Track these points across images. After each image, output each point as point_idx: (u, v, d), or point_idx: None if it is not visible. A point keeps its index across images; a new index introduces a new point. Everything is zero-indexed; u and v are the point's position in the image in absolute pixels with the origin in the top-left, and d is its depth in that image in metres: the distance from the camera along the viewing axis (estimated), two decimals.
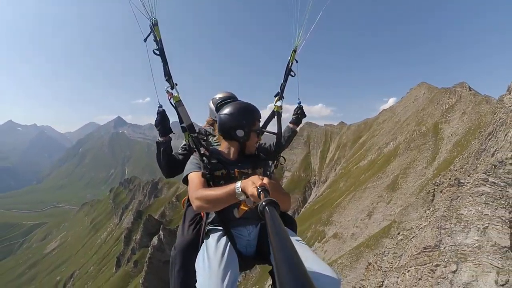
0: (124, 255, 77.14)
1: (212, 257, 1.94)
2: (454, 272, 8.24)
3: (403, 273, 9.83)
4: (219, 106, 2.77)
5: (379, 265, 11.63)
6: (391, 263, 11.07)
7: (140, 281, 53.27)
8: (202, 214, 2.21)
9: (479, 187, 9.48)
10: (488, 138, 13.89)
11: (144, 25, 2.37)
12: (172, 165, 2.69)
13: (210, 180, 2.11)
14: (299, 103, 3.12)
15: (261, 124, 2.52)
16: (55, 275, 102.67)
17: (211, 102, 3.07)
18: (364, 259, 21.02)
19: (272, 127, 2.96)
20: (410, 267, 9.62)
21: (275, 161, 2.61)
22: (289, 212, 2.59)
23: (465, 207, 9.26)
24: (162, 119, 2.63)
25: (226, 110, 2.26)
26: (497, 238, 8.35)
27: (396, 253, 11.23)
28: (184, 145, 2.75)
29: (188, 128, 2.34)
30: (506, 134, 11.96)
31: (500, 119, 14.85)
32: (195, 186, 2.03)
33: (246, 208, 2.03)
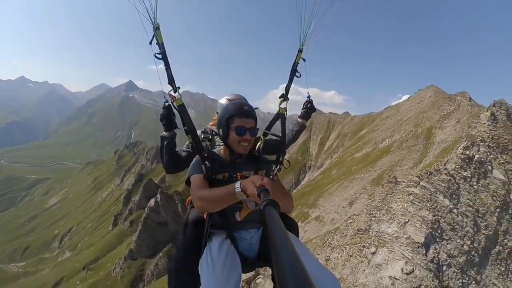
0: (121, 215, 79.13)
1: (215, 260, 1.96)
2: (373, 253, 10.02)
3: (342, 249, 11.76)
4: None
5: (329, 242, 13.77)
6: (338, 241, 13.15)
7: (134, 239, 55.45)
8: (205, 216, 2.21)
9: (410, 188, 11.16)
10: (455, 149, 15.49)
11: (148, 26, 2.33)
12: (173, 161, 2.69)
13: (212, 183, 2.13)
14: (309, 97, 3.03)
15: (264, 125, 2.57)
16: (53, 229, 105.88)
17: (218, 102, 3.13)
18: None
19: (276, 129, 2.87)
20: (347, 245, 11.52)
21: (278, 165, 2.47)
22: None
23: (395, 202, 10.95)
24: (167, 114, 2.59)
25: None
26: (412, 234, 10.00)
27: (343, 233, 13.31)
28: (190, 143, 2.58)
29: (190, 132, 2.30)
30: (457, 148, 13.51)
31: (469, 133, 16.28)
32: (197, 187, 2.07)
33: (247, 212, 2.14)
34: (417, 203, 10.67)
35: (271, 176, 2.30)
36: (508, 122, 19.32)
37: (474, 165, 14.12)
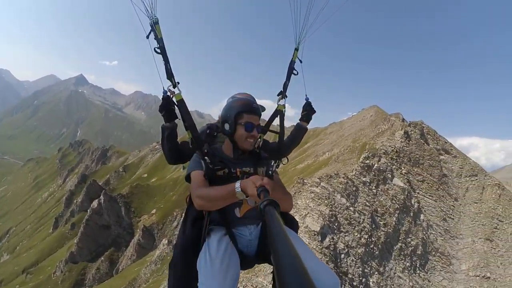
0: (63, 217, 74.81)
1: (214, 257, 1.96)
2: None
3: None
4: None
5: None
6: None
7: (75, 241, 53.05)
8: (204, 213, 2.19)
9: (312, 187, 13.56)
10: None
11: (144, 20, 2.28)
12: (174, 152, 2.65)
13: (212, 180, 2.13)
14: (307, 99, 2.99)
15: (263, 122, 2.58)
16: None
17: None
18: None
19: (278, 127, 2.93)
20: None
21: (277, 160, 2.53)
22: None
23: (300, 199, 13.07)
24: (167, 104, 2.47)
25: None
26: (310, 224, 12.07)
27: None
28: (190, 138, 2.56)
29: (190, 127, 2.30)
30: (359, 158, 16.42)
31: (372, 146, 19.61)
32: (196, 185, 2.07)
33: (247, 208, 2.17)
34: (316, 199, 12.95)
35: (270, 172, 2.36)
36: (421, 140, 23.28)
37: (373, 173, 17.23)
